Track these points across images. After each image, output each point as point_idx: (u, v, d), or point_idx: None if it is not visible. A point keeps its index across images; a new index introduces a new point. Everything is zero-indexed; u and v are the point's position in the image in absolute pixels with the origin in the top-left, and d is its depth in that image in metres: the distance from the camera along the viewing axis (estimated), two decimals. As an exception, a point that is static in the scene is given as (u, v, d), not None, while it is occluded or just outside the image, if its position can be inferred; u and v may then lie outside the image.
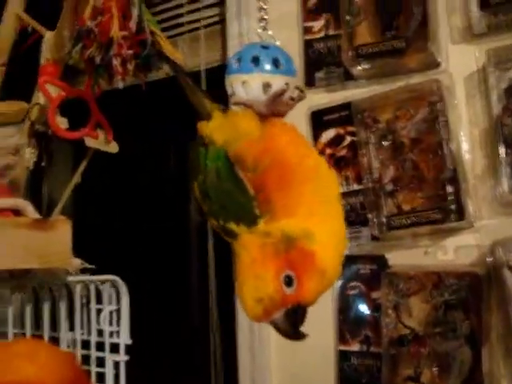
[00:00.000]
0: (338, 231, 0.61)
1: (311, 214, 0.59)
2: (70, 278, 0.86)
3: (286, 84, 0.69)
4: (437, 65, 1.21)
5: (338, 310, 1.28)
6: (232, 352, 1.38)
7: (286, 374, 1.33)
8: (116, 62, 0.73)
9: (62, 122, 0.93)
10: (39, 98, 0.95)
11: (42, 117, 0.93)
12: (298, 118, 1.33)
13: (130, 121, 1.63)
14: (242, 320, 1.36)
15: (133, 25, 0.73)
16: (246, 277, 0.58)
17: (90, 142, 0.87)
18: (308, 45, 1.37)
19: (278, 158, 0.62)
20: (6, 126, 0.88)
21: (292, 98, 0.70)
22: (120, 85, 0.75)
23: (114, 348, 0.91)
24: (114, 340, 0.91)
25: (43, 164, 0.90)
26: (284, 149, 0.63)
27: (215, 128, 0.69)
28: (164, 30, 1.63)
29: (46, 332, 0.86)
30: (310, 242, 0.57)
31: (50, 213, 0.83)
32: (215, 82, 1.48)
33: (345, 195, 1.30)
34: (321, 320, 1.28)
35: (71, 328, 0.89)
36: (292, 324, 0.58)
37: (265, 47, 0.71)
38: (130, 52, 0.73)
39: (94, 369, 0.88)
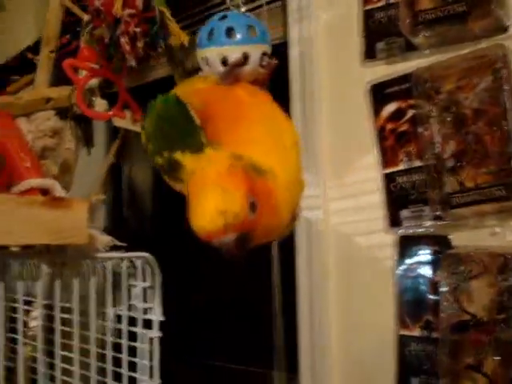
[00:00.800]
0: (294, 178, 0.60)
1: (267, 155, 0.57)
2: (102, 255, 0.88)
3: (244, 53, 0.66)
4: (504, 29, 1.10)
5: (399, 292, 1.22)
6: (292, 336, 1.36)
7: (346, 358, 1.29)
8: (124, 39, 0.73)
9: (100, 104, 0.96)
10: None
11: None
12: (358, 92, 1.28)
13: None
14: (303, 305, 1.34)
15: (139, 2, 0.73)
16: (212, 188, 0.55)
17: (118, 122, 0.88)
18: (368, 15, 1.31)
19: (230, 98, 0.61)
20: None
21: (262, 66, 0.66)
22: (132, 63, 0.76)
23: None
24: (147, 316, 0.92)
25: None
26: (238, 93, 0.62)
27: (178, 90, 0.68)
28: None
29: (76, 307, 0.89)
30: (273, 180, 0.57)
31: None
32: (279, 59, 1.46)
33: (407, 172, 1.23)
34: (381, 303, 1.23)
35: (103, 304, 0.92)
36: (240, 249, 0.57)
37: (222, 18, 0.68)
38: (138, 29, 0.73)
39: (125, 343, 0.89)
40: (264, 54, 0.68)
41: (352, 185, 1.32)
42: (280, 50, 1.44)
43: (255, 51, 0.68)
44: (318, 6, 1.37)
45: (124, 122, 0.89)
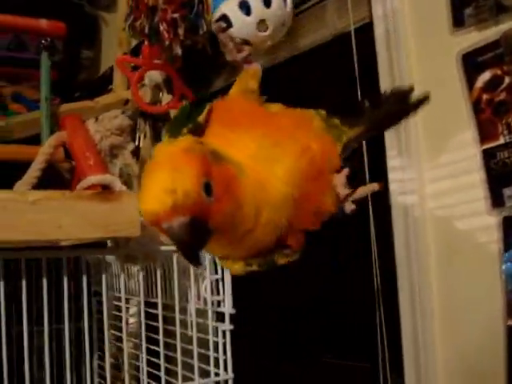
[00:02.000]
0: (277, 187, 0.53)
1: (239, 153, 0.52)
2: (167, 248, 0.89)
3: None
4: None
5: (507, 279, 1.10)
6: (395, 330, 1.28)
7: (450, 350, 1.20)
8: (162, 27, 0.73)
9: (167, 99, 0.97)
10: (144, 78, 1.00)
11: (147, 97, 0.98)
12: (449, 63, 1.18)
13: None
14: (404, 295, 1.26)
15: (174, -13, 0.72)
16: (161, 167, 0.50)
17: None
18: (453, -20, 1.20)
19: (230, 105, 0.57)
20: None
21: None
22: (178, 51, 0.75)
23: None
24: (219, 309, 0.92)
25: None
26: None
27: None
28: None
29: (142, 298, 0.90)
30: (239, 172, 0.51)
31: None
32: (364, 41, 1.39)
33: (508, 146, 1.11)
34: (487, 291, 1.12)
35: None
36: (193, 237, 0.50)
37: None
38: (175, 15, 0.72)
39: (195, 335, 0.89)
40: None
41: (448, 165, 1.22)
42: (367, 31, 1.38)
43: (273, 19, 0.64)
44: (399, -22, 1.28)
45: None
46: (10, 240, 0.72)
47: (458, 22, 1.19)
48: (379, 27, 1.34)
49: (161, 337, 1.01)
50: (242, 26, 0.66)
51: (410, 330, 1.25)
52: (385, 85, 1.32)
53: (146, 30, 0.75)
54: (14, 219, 0.71)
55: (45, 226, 0.72)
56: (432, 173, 1.24)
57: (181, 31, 0.74)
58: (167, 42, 0.75)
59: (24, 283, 0.81)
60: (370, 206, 1.38)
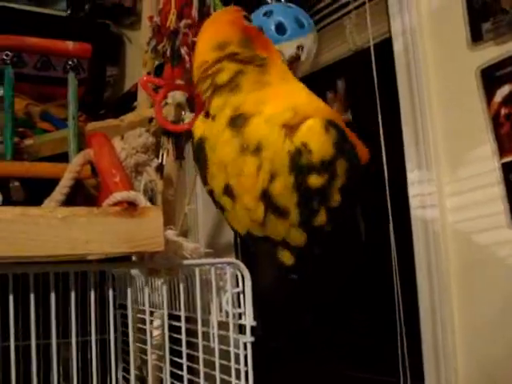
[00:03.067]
0: None
1: None
2: (190, 262, 0.91)
3: (299, 46, 0.64)
4: None
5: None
6: (416, 343, 1.29)
7: (472, 364, 1.20)
8: (183, 50, 0.76)
9: (189, 118, 1.00)
10: (168, 97, 1.03)
11: (170, 115, 1.02)
12: (467, 78, 1.19)
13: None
14: (425, 309, 1.27)
15: (195, 12, 0.75)
16: None
17: (197, 133, 0.91)
18: (470, -5, 1.21)
19: None
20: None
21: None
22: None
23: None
24: (240, 321, 0.93)
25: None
26: None
27: None
28: (331, 13, 1.62)
29: (165, 311, 0.92)
30: None
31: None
32: (384, 57, 1.41)
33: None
34: (509, 306, 1.12)
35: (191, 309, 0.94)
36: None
37: (268, 13, 0.66)
38: (195, 39, 0.75)
39: (217, 347, 0.91)
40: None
41: (468, 179, 1.22)
42: (386, 46, 1.40)
43: (307, 42, 0.67)
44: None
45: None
46: (41, 254, 0.75)
47: (477, 36, 1.20)
48: (398, 43, 1.36)
49: (184, 349, 1.03)
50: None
51: (431, 343, 1.25)
52: (404, 100, 1.34)
53: (168, 53, 0.78)
54: (45, 235, 0.74)
55: (73, 241, 0.76)
56: (452, 186, 1.25)
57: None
58: (188, 65, 0.78)
59: (53, 296, 0.84)
60: (391, 221, 1.39)
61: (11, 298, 0.82)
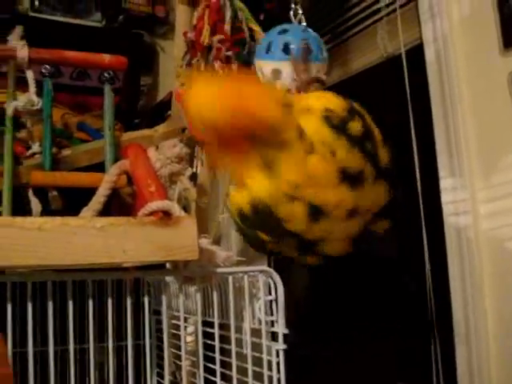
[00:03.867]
0: None
1: None
2: (223, 270, 0.93)
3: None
4: None
5: None
6: (449, 350, 1.28)
7: (505, 372, 1.18)
8: (217, 64, 0.78)
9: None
10: (201, 108, 1.05)
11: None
12: (500, 84, 1.19)
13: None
14: (458, 316, 1.26)
15: (228, 28, 0.77)
16: None
17: (230, 143, 0.92)
18: (502, 1, 1.21)
19: None
20: (169, 137, 0.99)
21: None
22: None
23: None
24: (273, 329, 0.95)
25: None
26: None
27: None
28: (363, 19, 1.63)
29: (199, 317, 0.94)
30: None
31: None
32: (415, 63, 1.41)
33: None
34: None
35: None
36: None
37: (282, 31, 0.68)
38: (229, 53, 0.77)
39: (249, 354, 0.92)
40: (317, 71, 0.68)
41: (502, 185, 1.22)
42: (417, 52, 1.40)
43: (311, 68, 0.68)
44: (449, 0, 1.30)
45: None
46: (80, 263, 0.77)
47: (508, 42, 1.20)
48: (429, 49, 1.36)
49: (217, 355, 1.05)
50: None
51: (465, 350, 1.24)
52: (436, 106, 1.33)
53: (202, 68, 0.80)
54: (84, 244, 0.77)
55: (111, 250, 0.78)
56: (485, 193, 1.24)
57: (234, 67, 0.79)
58: (222, 79, 0.80)
59: (91, 303, 0.86)
60: (424, 228, 1.39)
61: (50, 304, 0.85)
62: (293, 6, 0.79)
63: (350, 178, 0.77)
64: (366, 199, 0.78)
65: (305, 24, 0.76)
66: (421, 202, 1.39)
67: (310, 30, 0.73)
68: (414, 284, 1.49)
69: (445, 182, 1.31)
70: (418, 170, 1.38)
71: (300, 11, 0.83)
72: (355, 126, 0.81)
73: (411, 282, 1.53)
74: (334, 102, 0.73)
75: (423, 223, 1.39)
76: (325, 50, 0.71)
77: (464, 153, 1.28)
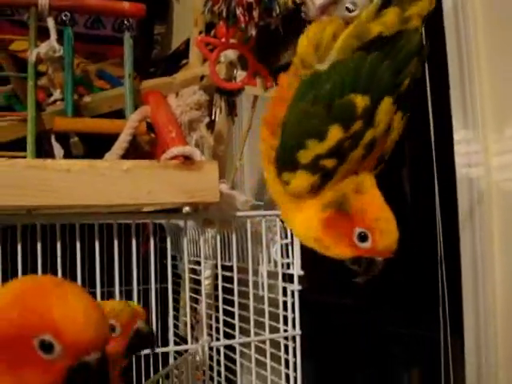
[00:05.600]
0: None
1: None
2: (242, 214, 0.96)
3: None
4: None
5: None
6: (457, 300, 1.32)
7: (510, 286, 1.22)
8: (239, 11, 0.79)
9: (241, 76, 1.03)
10: (220, 57, 1.07)
11: (222, 73, 1.05)
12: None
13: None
14: (467, 268, 1.29)
15: (250, -27, 0.78)
16: None
17: (250, 90, 0.94)
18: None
19: None
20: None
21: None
22: (252, 32, 0.81)
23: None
24: (289, 271, 0.99)
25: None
26: None
27: None
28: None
29: (219, 261, 0.98)
30: None
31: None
32: (432, 13, 1.39)
33: None
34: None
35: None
36: None
37: None
38: (251, 0, 0.78)
39: (266, 295, 0.96)
40: None
41: (515, 138, 1.23)
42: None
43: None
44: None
45: (256, 89, 0.95)
46: (108, 203, 0.81)
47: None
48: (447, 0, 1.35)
49: (236, 297, 1.09)
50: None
51: (472, 298, 1.28)
52: (452, 58, 1.33)
53: (224, 14, 0.81)
54: (111, 185, 0.80)
55: (136, 191, 0.81)
56: (498, 145, 1.25)
57: (256, 14, 0.80)
58: (243, 25, 0.81)
59: (116, 244, 0.90)
60: (436, 179, 1.40)
61: (78, 245, 0.89)
62: None
63: None
64: None
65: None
66: (434, 153, 1.40)
67: None
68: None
69: (458, 134, 1.32)
70: (432, 122, 1.39)
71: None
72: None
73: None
74: None
75: (435, 174, 1.41)
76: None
77: (478, 106, 1.28)
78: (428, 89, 1.41)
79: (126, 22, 1.12)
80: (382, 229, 0.68)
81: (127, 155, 1.02)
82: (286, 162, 0.67)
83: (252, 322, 0.99)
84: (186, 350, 0.98)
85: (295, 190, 0.68)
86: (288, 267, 0.98)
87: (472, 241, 1.29)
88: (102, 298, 0.96)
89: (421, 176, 1.58)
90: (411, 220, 1.66)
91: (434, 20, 1.37)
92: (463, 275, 1.30)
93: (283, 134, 0.67)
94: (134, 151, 1.05)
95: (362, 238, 0.66)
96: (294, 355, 1.01)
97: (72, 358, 0.51)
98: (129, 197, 0.81)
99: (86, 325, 0.51)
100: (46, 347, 0.50)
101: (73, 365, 0.51)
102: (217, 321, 1.17)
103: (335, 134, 0.65)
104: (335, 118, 0.65)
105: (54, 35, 1.05)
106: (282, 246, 0.97)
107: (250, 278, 0.97)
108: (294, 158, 0.66)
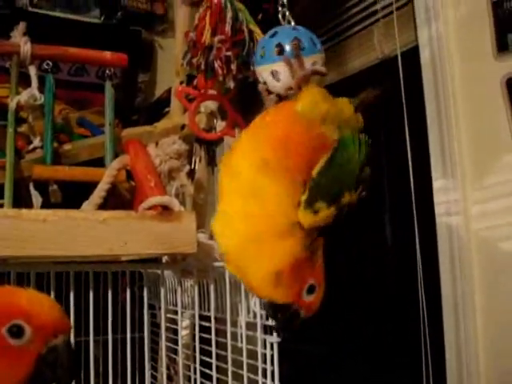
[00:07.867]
0: None
1: None
2: (220, 264, 0.95)
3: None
4: None
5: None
6: (439, 349, 1.31)
7: (494, 370, 1.21)
8: (217, 64, 0.80)
9: (221, 126, 1.04)
10: (200, 107, 1.08)
11: (202, 123, 1.06)
12: (493, 87, 1.21)
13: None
14: (448, 315, 1.29)
15: (228, 28, 0.79)
16: None
17: (229, 140, 0.95)
18: (497, 6, 1.23)
19: None
20: (169, 134, 1.01)
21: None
22: (230, 84, 0.82)
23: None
24: (267, 322, 0.97)
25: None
26: None
27: None
28: (360, 21, 1.65)
29: (196, 311, 0.96)
30: None
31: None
32: (411, 65, 1.43)
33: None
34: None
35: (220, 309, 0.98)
36: None
37: (273, 35, 0.70)
38: (230, 53, 0.79)
39: (244, 347, 0.95)
40: (313, 63, 0.70)
41: (493, 186, 1.24)
42: (413, 54, 1.42)
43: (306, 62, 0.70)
44: (444, 4, 1.32)
45: (235, 139, 0.95)
46: (83, 254, 0.80)
47: (502, 46, 1.22)
48: (425, 51, 1.38)
49: (213, 348, 1.07)
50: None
51: (454, 349, 1.27)
52: (430, 108, 1.36)
53: (203, 66, 0.82)
54: (87, 236, 0.79)
55: (113, 242, 0.80)
56: (477, 194, 1.27)
57: (233, 67, 0.81)
58: (221, 77, 0.83)
59: (91, 295, 0.88)
60: (416, 227, 1.41)
61: (52, 294, 0.87)
62: (280, 8, 0.81)
63: None
64: None
65: (293, 24, 0.78)
66: (413, 201, 1.41)
67: (299, 27, 0.75)
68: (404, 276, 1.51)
69: (437, 183, 1.33)
70: (411, 171, 1.41)
71: (287, 12, 0.85)
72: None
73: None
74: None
75: (415, 222, 1.42)
76: (318, 42, 0.72)
77: (457, 154, 1.30)
78: (407, 138, 1.44)
79: (107, 71, 1.13)
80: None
81: (106, 203, 1.01)
82: (328, 193, 0.68)
83: (230, 375, 0.97)
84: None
85: (319, 220, 0.68)
86: (267, 318, 0.96)
87: (453, 289, 1.29)
88: (78, 347, 0.94)
89: (402, 224, 1.59)
90: (392, 268, 1.65)
91: (413, 71, 1.41)
92: (445, 323, 1.29)
93: (333, 167, 0.68)
94: (115, 199, 1.05)
95: (311, 290, 0.68)
96: (273, 409, 0.98)
97: (41, 341, 0.56)
98: (105, 248, 0.80)
99: (52, 308, 0.59)
100: (16, 333, 0.54)
101: (42, 351, 0.55)
102: (195, 372, 1.14)
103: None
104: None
105: (35, 83, 1.06)
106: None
107: (229, 329, 0.96)
108: (338, 195, 0.69)
